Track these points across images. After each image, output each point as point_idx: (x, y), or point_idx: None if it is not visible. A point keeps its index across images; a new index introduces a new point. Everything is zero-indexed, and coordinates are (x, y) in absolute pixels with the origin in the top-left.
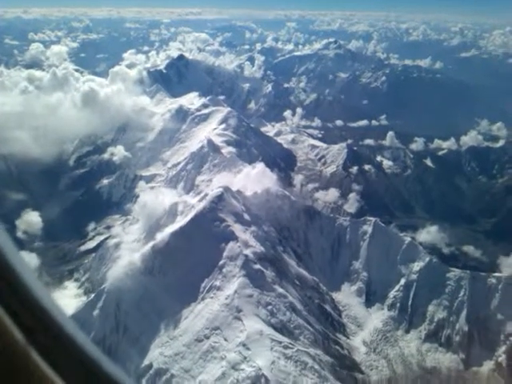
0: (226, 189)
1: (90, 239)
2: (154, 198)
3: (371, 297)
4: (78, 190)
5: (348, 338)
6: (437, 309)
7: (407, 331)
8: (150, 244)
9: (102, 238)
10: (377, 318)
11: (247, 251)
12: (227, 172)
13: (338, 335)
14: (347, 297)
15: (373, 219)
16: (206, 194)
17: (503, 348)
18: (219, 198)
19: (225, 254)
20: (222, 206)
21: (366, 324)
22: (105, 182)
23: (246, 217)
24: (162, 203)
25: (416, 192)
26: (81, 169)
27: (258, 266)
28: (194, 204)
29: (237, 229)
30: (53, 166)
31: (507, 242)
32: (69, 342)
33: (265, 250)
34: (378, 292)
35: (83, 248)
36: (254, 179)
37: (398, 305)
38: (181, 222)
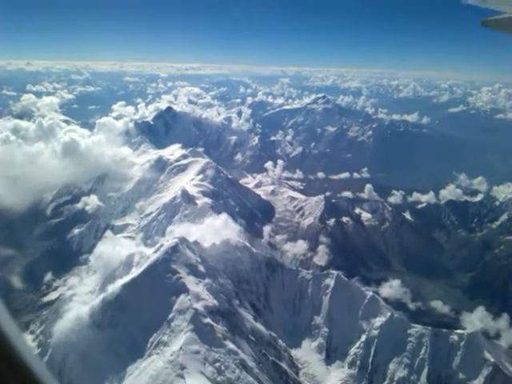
0: (182, 240)
1: (54, 290)
2: (112, 248)
3: (332, 353)
4: (51, 240)
5: None
6: (397, 367)
7: None
8: (101, 296)
9: (64, 289)
10: (336, 376)
11: (197, 305)
12: (196, 223)
13: None
14: (307, 353)
15: (335, 272)
16: (162, 245)
17: None
18: (173, 249)
19: (175, 307)
20: (176, 258)
21: (324, 382)
22: (75, 231)
23: (201, 269)
24: (118, 254)
25: (393, 245)
26: (56, 218)
27: (207, 321)
28: (150, 255)
29: (189, 281)
30: (29, 215)
31: (483, 297)
32: None
33: (218, 303)
34: (338, 349)
35: (45, 299)
36: (215, 230)
37: (359, 362)
38: (134, 273)
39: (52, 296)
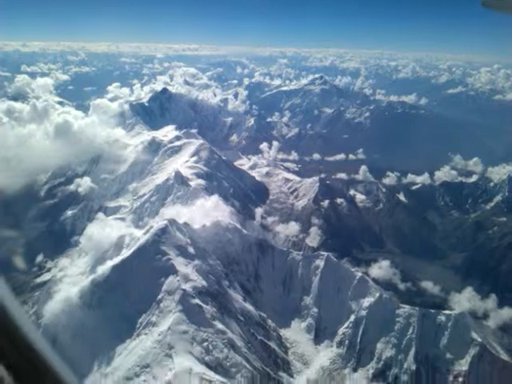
0: (172, 221)
1: (47, 271)
2: (102, 230)
3: (321, 333)
4: (45, 221)
5: (292, 376)
6: (385, 347)
7: (355, 370)
8: (90, 278)
9: (56, 270)
10: (325, 355)
11: (186, 285)
12: (189, 204)
13: (280, 374)
14: (296, 333)
15: (325, 254)
16: (151, 227)
17: None
18: (163, 231)
19: (163, 288)
20: (166, 239)
21: (312, 362)
22: (69, 213)
23: (191, 250)
24: (109, 236)
25: (387, 226)
26: (50, 200)
27: (196, 301)
28: (140, 237)
29: (178, 262)
30: (23, 197)
31: (475, 277)
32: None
33: (207, 284)
34: (327, 329)
35: (38, 280)
36: (205, 212)
37: (347, 342)
38: (123, 255)
39: (45, 277)
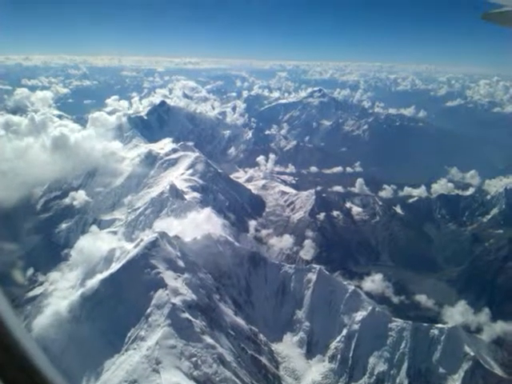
0: (162, 234)
1: (39, 285)
2: (93, 243)
3: (313, 348)
4: (40, 234)
5: None
6: (378, 361)
7: None
8: (80, 291)
9: (48, 284)
10: (317, 370)
11: (175, 299)
12: (183, 217)
13: None
14: (288, 348)
15: (317, 267)
16: (141, 240)
17: None
18: (153, 244)
19: (153, 302)
20: (156, 253)
21: (304, 377)
22: (63, 226)
23: (180, 263)
24: (99, 249)
25: (383, 239)
26: (46, 213)
27: (185, 315)
28: (130, 250)
29: (168, 276)
30: (19, 210)
31: (471, 291)
32: None
33: (197, 298)
34: (319, 343)
35: (31, 294)
36: (197, 225)
37: (339, 356)
38: (113, 268)
39: (37, 291)
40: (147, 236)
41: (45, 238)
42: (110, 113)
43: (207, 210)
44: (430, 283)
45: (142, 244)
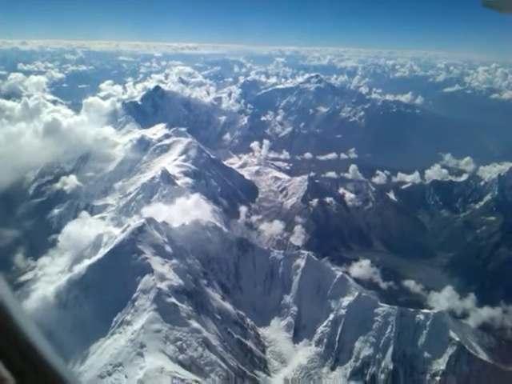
0: (150, 220)
1: (30, 270)
2: (80, 229)
3: (300, 332)
4: (32, 219)
5: (269, 375)
6: (363, 345)
7: (333, 368)
8: (67, 277)
9: (37, 269)
10: (303, 354)
11: (162, 284)
12: (174, 203)
13: (257, 372)
14: (275, 332)
15: (306, 252)
16: (129, 226)
17: None
18: (140, 230)
19: (139, 287)
20: (143, 238)
21: (290, 360)
22: (55, 211)
23: (168, 249)
24: (88, 234)
25: (376, 225)
26: (38, 198)
27: (171, 300)
28: (117, 235)
29: (154, 261)
30: (11, 195)
31: (462, 276)
32: None
33: (184, 283)
34: (306, 327)
35: (22, 279)
36: (186, 210)
37: (325, 341)
38: (100, 254)
39: (28, 276)
40: (135, 222)
41: (37, 222)
42: (104, 98)
43: (196, 196)
44: (422, 269)
45: (129, 229)
